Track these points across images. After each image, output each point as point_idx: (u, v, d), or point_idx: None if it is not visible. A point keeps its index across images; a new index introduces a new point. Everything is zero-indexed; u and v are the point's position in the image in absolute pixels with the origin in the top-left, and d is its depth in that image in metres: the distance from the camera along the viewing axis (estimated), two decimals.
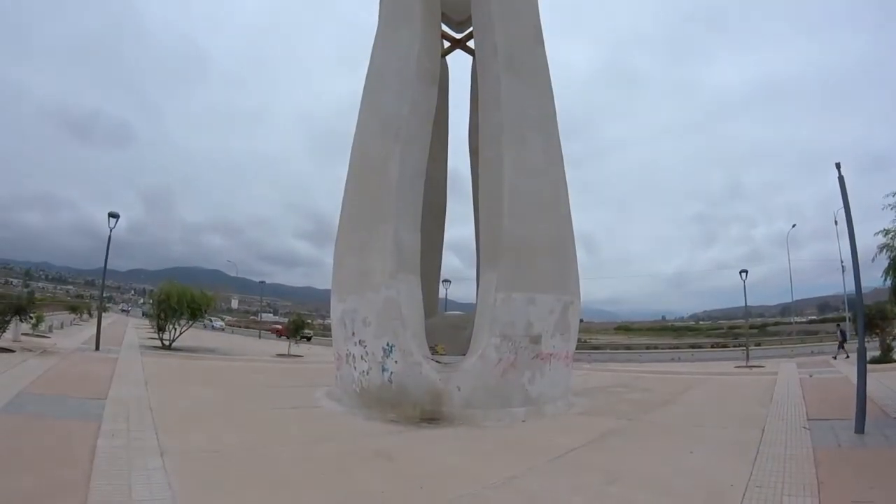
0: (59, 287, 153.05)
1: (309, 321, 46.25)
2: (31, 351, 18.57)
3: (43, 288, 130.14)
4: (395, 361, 10.01)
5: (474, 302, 12.13)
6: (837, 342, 26.36)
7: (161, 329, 26.29)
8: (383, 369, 10.16)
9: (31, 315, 24.97)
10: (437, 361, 10.54)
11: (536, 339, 10.36)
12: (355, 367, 10.78)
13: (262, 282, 67.74)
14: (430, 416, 9.45)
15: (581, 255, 12.53)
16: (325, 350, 27.90)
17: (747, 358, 25.65)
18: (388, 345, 10.13)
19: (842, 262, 38.25)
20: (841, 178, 9.51)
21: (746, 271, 31.71)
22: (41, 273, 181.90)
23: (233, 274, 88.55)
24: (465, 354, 10.69)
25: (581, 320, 14.70)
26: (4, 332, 19.97)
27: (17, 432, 6.91)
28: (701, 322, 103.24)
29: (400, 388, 9.94)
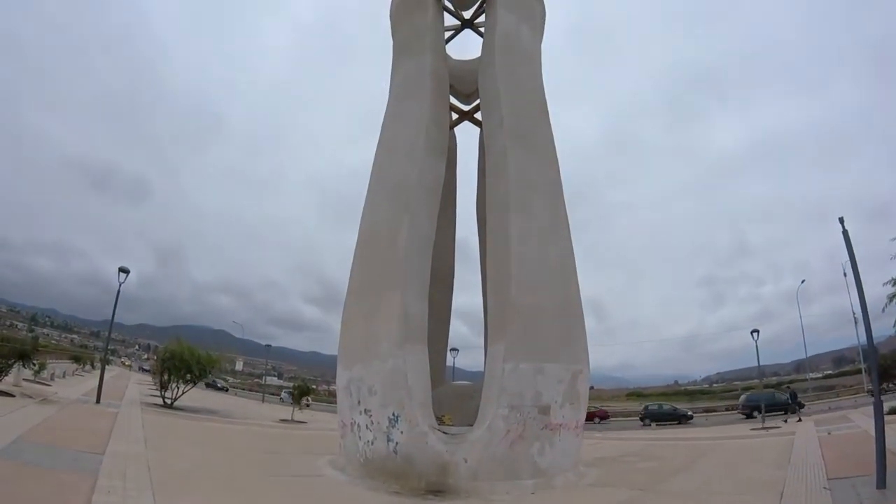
0: (63, 335, 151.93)
1: (314, 387, 45.58)
2: (31, 397, 18.39)
3: (48, 335, 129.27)
4: (401, 432, 9.80)
5: (482, 371, 12.01)
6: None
7: (164, 387, 26.04)
8: (388, 439, 9.93)
9: (34, 361, 24.85)
10: (443, 432, 10.30)
11: (545, 410, 10.15)
12: (360, 437, 10.55)
13: (269, 346, 67.50)
14: (436, 489, 9.15)
15: (589, 321, 12.49)
16: (330, 417, 27.35)
17: (763, 419, 24.93)
18: (393, 414, 9.94)
19: (853, 313, 37.90)
20: (845, 233, 9.57)
21: (758, 331, 31.58)
22: (47, 319, 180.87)
23: (239, 335, 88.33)
24: (472, 425, 10.46)
25: (591, 387, 14.45)
26: (6, 375, 19.84)
27: (13, 480, 6.82)
28: (715, 385, 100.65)
29: (405, 458, 9.68)
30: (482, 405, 10.41)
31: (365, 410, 10.48)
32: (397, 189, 11.71)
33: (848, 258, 9.61)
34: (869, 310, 9.09)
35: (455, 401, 12.90)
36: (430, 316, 11.38)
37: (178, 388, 26.08)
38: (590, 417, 38.94)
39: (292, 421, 25.56)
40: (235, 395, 55.48)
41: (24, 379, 23.70)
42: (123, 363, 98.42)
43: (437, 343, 13.81)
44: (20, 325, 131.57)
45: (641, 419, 35.13)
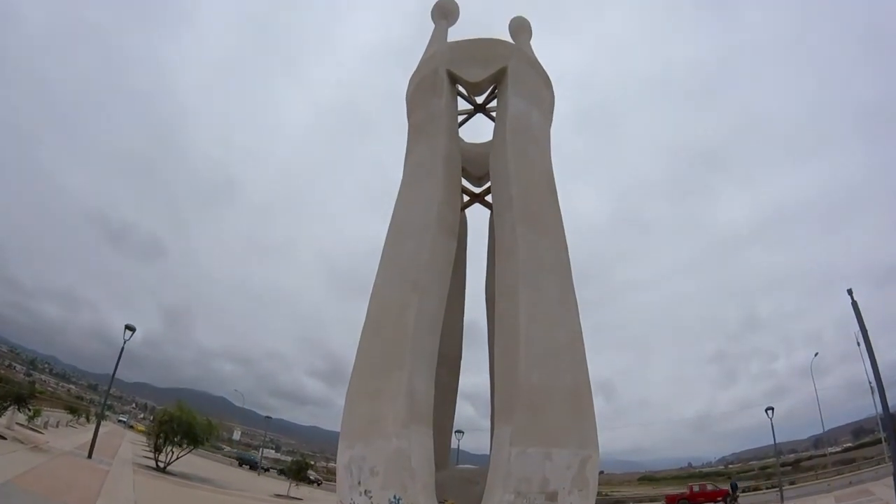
0: (60, 384, 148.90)
1: (312, 462, 44.18)
2: (22, 443, 17.96)
3: (45, 381, 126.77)
4: None
5: (488, 454, 11.67)
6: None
7: (158, 449, 25.39)
8: None
9: (30, 407, 24.39)
10: None
11: (553, 496, 9.74)
12: None
13: (269, 417, 66.24)
14: None
15: (599, 402, 12.20)
16: (327, 495, 26.29)
17: (781, 499, 23.79)
18: (395, 497, 9.58)
19: (869, 382, 37.12)
20: (855, 304, 9.53)
21: (772, 408, 31.27)
22: (46, 366, 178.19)
23: (239, 404, 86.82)
24: None
25: (601, 472, 13.93)
26: (0, 417, 19.45)
27: None
28: (730, 465, 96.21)
29: None
30: (487, 490, 10.04)
31: (365, 491, 10.09)
32: (408, 268, 11.82)
33: (860, 329, 9.52)
34: (884, 376, 8.93)
35: (459, 485, 12.42)
36: (435, 397, 11.20)
37: (173, 452, 25.41)
38: (713, 497, 36.78)
39: (288, 497, 24.59)
40: (230, 463, 52.45)
41: (17, 423, 23.26)
42: (135, 427, 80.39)
43: (443, 424, 13.50)
44: (18, 367, 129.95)
45: None
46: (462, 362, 15.36)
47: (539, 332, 10.83)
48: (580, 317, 12.30)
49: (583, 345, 11.94)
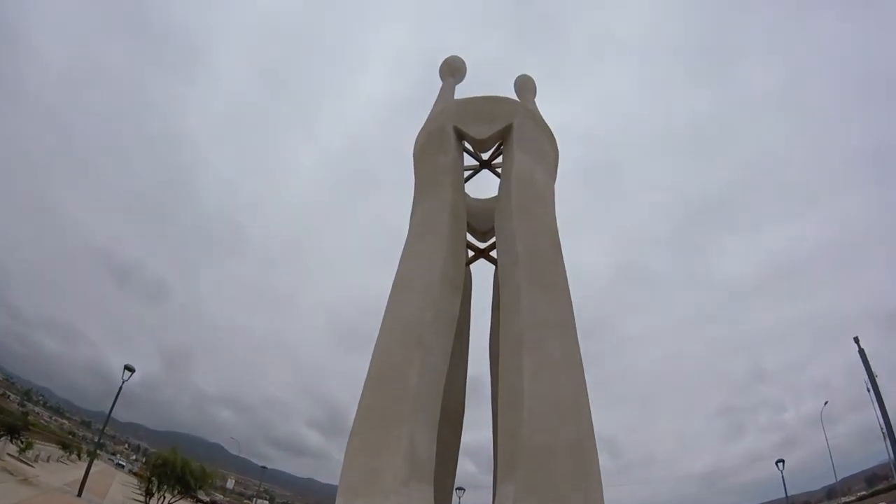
0: (54, 418, 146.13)
1: None
2: (11, 474, 17.59)
3: (38, 413, 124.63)
4: None
5: None
6: None
7: (149, 493, 24.83)
8: None
9: (23, 439, 23.89)
10: None
11: None
12: None
13: (264, 468, 64.91)
14: None
15: (604, 459, 12.02)
16: None
17: None
18: None
19: (881, 428, 36.21)
20: (861, 352, 9.48)
21: (783, 460, 30.62)
22: (40, 398, 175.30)
23: (234, 452, 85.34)
24: None
25: None
26: None
27: None
28: None
29: None
30: None
31: None
32: (411, 323, 11.88)
33: (868, 375, 9.44)
34: (895, 421, 8.74)
35: None
36: (437, 453, 11.07)
37: (164, 498, 24.83)
38: None
39: None
40: None
41: (8, 454, 22.81)
42: (139, 472, 72.89)
43: (444, 482, 13.24)
44: (13, 396, 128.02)
45: None
46: (465, 418, 15.15)
47: (543, 389, 10.78)
48: (585, 372, 12.27)
49: (587, 401, 11.85)
